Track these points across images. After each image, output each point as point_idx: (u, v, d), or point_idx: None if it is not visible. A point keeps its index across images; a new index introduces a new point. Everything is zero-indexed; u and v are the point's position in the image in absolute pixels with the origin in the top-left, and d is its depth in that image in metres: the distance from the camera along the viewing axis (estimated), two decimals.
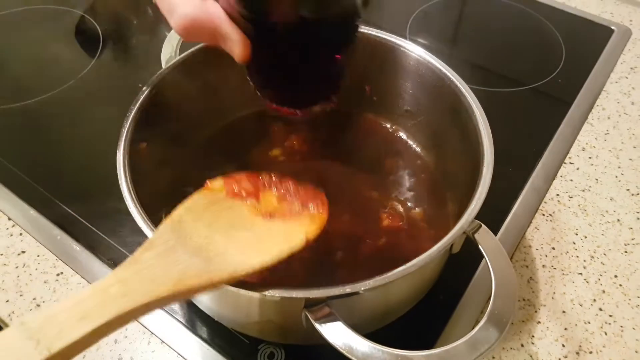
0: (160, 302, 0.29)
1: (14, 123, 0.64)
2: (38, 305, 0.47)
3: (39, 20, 0.79)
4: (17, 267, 0.50)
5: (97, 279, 0.49)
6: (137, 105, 0.45)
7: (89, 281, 0.49)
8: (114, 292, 0.28)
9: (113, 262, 0.50)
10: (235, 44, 0.36)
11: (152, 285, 0.29)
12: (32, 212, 0.54)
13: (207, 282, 0.32)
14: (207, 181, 0.40)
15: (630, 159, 0.61)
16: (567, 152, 0.62)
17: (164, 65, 0.51)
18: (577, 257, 0.52)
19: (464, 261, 0.47)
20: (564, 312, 0.48)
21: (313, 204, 0.40)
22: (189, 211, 0.36)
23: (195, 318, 0.47)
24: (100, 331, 0.26)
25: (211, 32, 0.35)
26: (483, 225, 0.40)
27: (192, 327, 0.46)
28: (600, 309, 0.49)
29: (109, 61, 0.73)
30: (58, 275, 0.49)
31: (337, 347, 0.33)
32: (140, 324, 0.46)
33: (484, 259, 0.39)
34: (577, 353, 0.46)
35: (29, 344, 0.24)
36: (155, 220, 0.37)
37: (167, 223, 0.35)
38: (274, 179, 0.41)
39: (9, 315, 0.47)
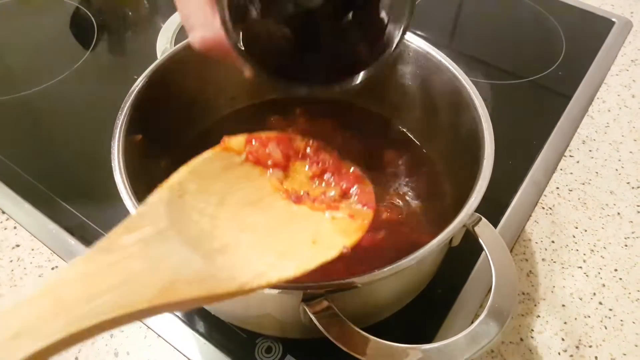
0: (135, 316, 0.21)
1: (7, 115, 0.63)
2: None
3: (34, 11, 0.78)
4: (11, 261, 0.49)
5: None
6: (132, 96, 0.44)
7: None
8: (71, 299, 0.20)
9: None
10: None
11: (127, 290, 0.21)
12: (26, 205, 0.53)
13: (207, 294, 0.23)
14: (225, 137, 0.31)
15: (631, 152, 0.61)
16: (567, 145, 0.62)
17: (159, 56, 0.51)
18: (577, 250, 0.52)
19: (463, 255, 0.46)
20: (563, 305, 0.48)
21: (357, 194, 0.32)
22: (195, 177, 0.28)
23: (192, 312, 0.46)
24: (46, 352, 0.19)
25: (224, 55, 0.35)
26: (483, 219, 0.39)
27: (189, 321, 0.46)
28: (600, 303, 0.48)
29: (104, 53, 0.72)
30: (53, 269, 0.49)
31: (335, 340, 0.33)
32: None
33: (483, 253, 0.39)
34: (577, 347, 0.45)
35: None
36: None
37: (162, 192, 0.26)
38: (310, 150, 0.32)
39: None
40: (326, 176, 0.32)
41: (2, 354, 0.18)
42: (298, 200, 0.31)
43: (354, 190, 0.32)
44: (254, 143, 0.31)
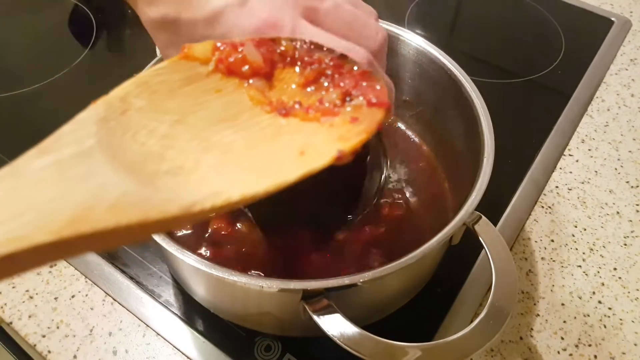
0: (42, 254, 0.17)
1: (5, 112, 0.63)
2: (31, 297, 0.46)
3: (32, 9, 0.78)
4: None
5: (90, 271, 0.48)
6: None
7: (82, 273, 0.48)
8: None
9: (107, 253, 0.49)
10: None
11: (29, 220, 0.17)
12: None
13: (135, 221, 0.18)
14: (185, 45, 0.25)
15: (630, 151, 0.61)
16: (567, 144, 0.62)
17: (158, 54, 0.50)
18: (576, 249, 0.52)
19: (463, 253, 0.46)
20: (563, 304, 0.48)
21: (362, 92, 0.25)
22: (145, 91, 0.23)
23: (191, 310, 0.46)
24: None
25: None
26: (483, 217, 0.39)
27: (187, 320, 0.46)
28: (600, 302, 0.48)
29: (103, 51, 0.72)
30: (51, 267, 0.49)
31: (335, 339, 0.33)
32: (135, 316, 0.46)
33: (482, 251, 0.39)
34: (576, 346, 0.45)
35: None
36: None
37: (95, 108, 0.22)
38: (299, 47, 0.26)
39: (1, 308, 0.46)
40: (323, 80, 0.25)
41: None
42: (287, 112, 0.24)
43: (358, 89, 0.25)
44: (223, 49, 0.25)
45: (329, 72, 0.25)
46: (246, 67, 0.25)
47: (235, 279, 0.33)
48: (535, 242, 0.52)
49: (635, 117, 0.65)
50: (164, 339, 0.45)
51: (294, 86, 0.25)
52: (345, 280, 0.34)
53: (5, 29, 0.75)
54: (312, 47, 0.26)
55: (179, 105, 0.23)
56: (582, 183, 0.58)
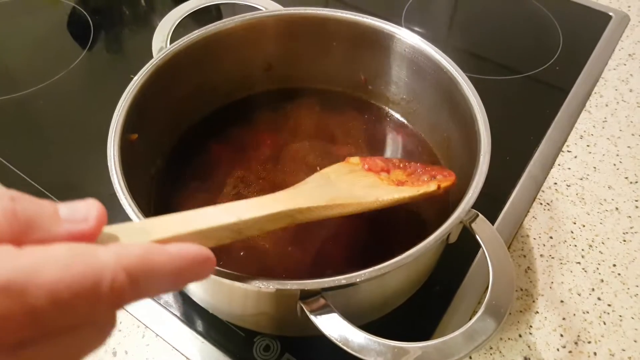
0: (314, 212, 0.37)
1: (3, 115, 0.63)
2: None
3: (30, 11, 0.78)
4: None
5: None
6: (128, 95, 0.44)
7: None
8: (281, 197, 0.37)
9: None
10: None
11: (310, 198, 0.38)
12: None
13: (355, 203, 0.40)
14: (347, 157, 0.48)
15: (629, 147, 0.61)
16: (565, 140, 0.62)
17: (155, 55, 0.50)
18: (575, 246, 0.52)
19: (461, 251, 0.46)
20: (562, 301, 0.48)
21: (441, 174, 0.45)
22: (333, 171, 0.45)
23: (190, 311, 0.46)
24: (271, 218, 0.34)
25: None
26: (480, 215, 0.39)
27: (187, 321, 0.46)
28: (599, 299, 0.48)
29: (100, 52, 0.72)
30: None
31: (332, 338, 0.33)
32: (135, 317, 0.46)
33: (481, 249, 0.38)
34: (576, 343, 0.45)
35: (225, 214, 0.32)
36: (146, 209, 0.36)
37: (317, 174, 0.44)
38: (401, 164, 0.47)
39: None
40: (416, 173, 0.46)
41: (253, 212, 0.33)
42: (400, 184, 0.44)
43: (438, 174, 0.45)
44: (365, 160, 0.47)
45: (418, 170, 0.46)
46: (378, 168, 0.46)
47: (233, 281, 0.33)
48: (534, 239, 0.52)
49: (633, 113, 0.65)
50: (164, 339, 0.45)
51: (403, 176, 0.46)
52: (342, 279, 0.34)
53: (4, 31, 0.75)
54: (407, 163, 0.47)
55: (349, 179, 0.44)
56: (581, 179, 0.58)
